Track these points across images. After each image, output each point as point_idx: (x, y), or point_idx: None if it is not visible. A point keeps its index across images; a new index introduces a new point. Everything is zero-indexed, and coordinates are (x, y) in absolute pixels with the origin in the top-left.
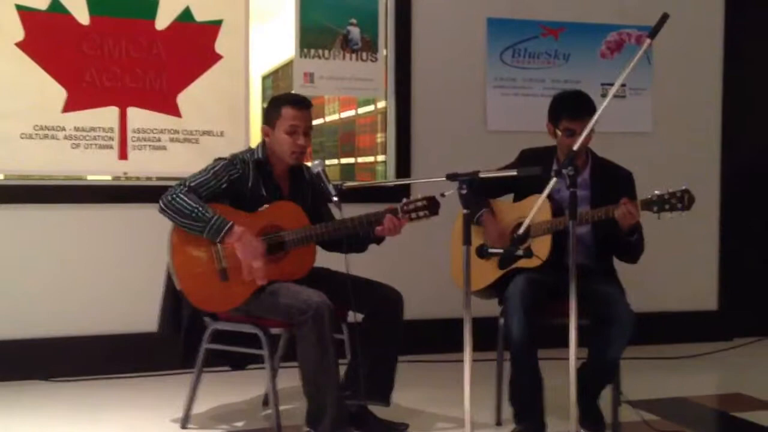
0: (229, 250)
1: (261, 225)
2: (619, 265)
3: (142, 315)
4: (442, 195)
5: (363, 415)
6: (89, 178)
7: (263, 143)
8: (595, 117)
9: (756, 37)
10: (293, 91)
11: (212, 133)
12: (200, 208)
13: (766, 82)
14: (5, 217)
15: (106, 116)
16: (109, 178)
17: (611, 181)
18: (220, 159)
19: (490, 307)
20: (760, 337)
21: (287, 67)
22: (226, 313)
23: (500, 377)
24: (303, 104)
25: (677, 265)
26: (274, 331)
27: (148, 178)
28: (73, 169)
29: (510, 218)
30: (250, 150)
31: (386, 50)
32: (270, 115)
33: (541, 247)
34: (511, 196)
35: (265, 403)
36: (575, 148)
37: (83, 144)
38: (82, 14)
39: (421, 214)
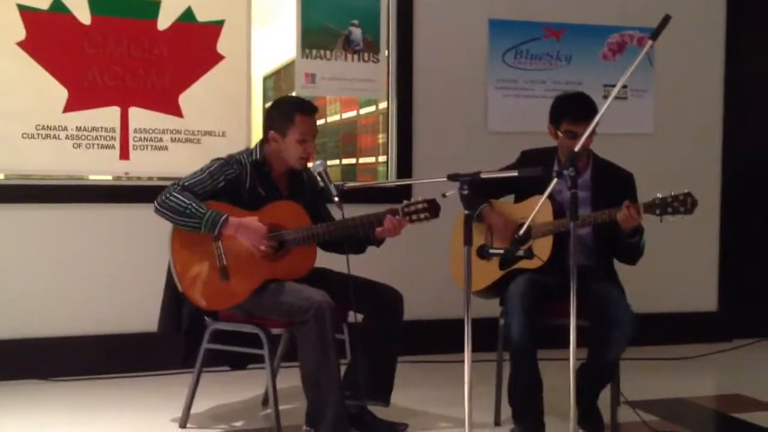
0: (229, 248)
1: (262, 224)
2: (619, 265)
3: (143, 314)
4: (444, 195)
5: (363, 415)
6: (90, 177)
7: (261, 144)
8: (597, 118)
9: (757, 39)
10: (295, 93)
11: (214, 134)
12: (194, 205)
13: (767, 83)
14: (6, 217)
15: (108, 116)
16: (110, 178)
17: (612, 183)
18: (216, 159)
19: (490, 308)
20: (760, 338)
21: (289, 67)
22: (227, 313)
23: (500, 377)
24: (314, 110)
25: (677, 265)
26: (275, 330)
27: (150, 178)
28: (75, 168)
29: (511, 219)
30: (247, 150)
31: (388, 51)
32: (280, 122)
33: (543, 248)
34: (512, 197)
35: (265, 402)
36: (576, 149)
37: (85, 144)
38: (83, 14)
39: (421, 216)
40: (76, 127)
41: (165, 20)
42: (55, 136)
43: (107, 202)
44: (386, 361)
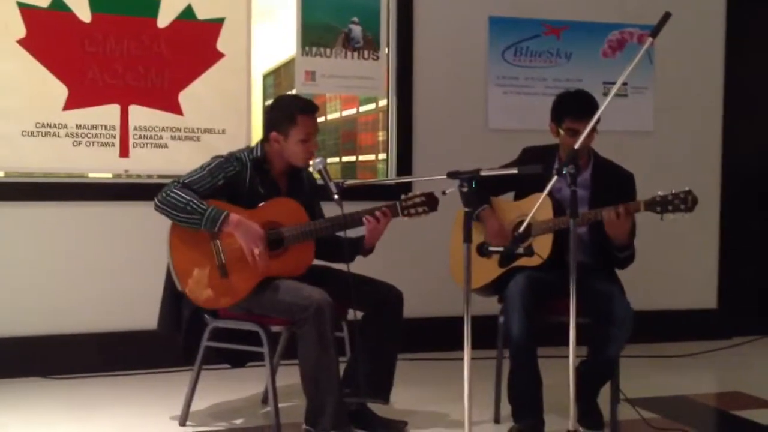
0: (227, 246)
1: (260, 221)
2: None
3: (142, 312)
4: (443, 193)
5: (362, 412)
6: (90, 175)
7: (262, 142)
8: (597, 115)
9: (757, 36)
10: (295, 90)
11: (214, 131)
12: (194, 201)
13: (767, 81)
14: (6, 215)
15: (108, 114)
16: (110, 175)
17: (611, 182)
18: (217, 157)
19: (490, 305)
20: (760, 335)
21: (289, 65)
22: (226, 311)
23: (499, 375)
24: (315, 110)
25: (677, 263)
26: (274, 328)
27: (150, 176)
28: (75, 166)
29: (511, 216)
30: (248, 148)
31: (388, 48)
32: (282, 122)
33: (542, 245)
34: (512, 194)
35: (265, 400)
36: (576, 146)
37: (85, 142)
38: (83, 12)
39: (420, 209)
40: (76, 125)
41: (165, 18)
42: (55, 134)
43: (107, 199)
44: (386, 358)
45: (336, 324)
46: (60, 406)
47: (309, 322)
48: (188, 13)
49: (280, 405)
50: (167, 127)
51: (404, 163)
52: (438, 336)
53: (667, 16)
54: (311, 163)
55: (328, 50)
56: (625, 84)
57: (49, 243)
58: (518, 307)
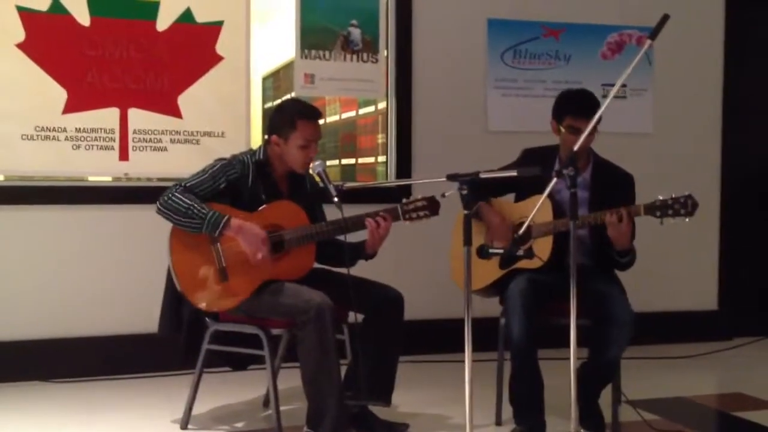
0: (228, 250)
1: (261, 224)
2: None
3: (143, 316)
4: (443, 195)
5: (364, 415)
6: (90, 179)
7: (265, 145)
8: (596, 117)
9: (756, 38)
10: (294, 93)
11: (213, 134)
12: (196, 206)
13: (766, 82)
14: (6, 218)
15: (107, 117)
16: (109, 179)
17: (611, 184)
18: (219, 159)
19: (491, 307)
20: (760, 336)
21: (288, 68)
22: (227, 314)
23: (501, 377)
24: (318, 116)
25: (677, 265)
26: (275, 331)
27: (149, 179)
28: (74, 170)
29: (511, 218)
30: (251, 151)
31: (387, 51)
32: (282, 127)
33: (543, 247)
34: (511, 196)
35: (266, 403)
36: (576, 148)
37: (84, 145)
38: (82, 15)
39: (421, 214)
40: (76, 129)
41: (164, 21)
42: (54, 138)
43: (107, 203)
44: (387, 361)
45: (337, 326)
46: (61, 410)
47: (310, 324)
48: (187, 16)
49: (281, 408)
50: (167, 131)
51: (404, 166)
52: (439, 338)
53: (665, 18)
54: (311, 166)
55: (327, 53)
56: (624, 86)
57: (49, 247)
58: (519, 309)
